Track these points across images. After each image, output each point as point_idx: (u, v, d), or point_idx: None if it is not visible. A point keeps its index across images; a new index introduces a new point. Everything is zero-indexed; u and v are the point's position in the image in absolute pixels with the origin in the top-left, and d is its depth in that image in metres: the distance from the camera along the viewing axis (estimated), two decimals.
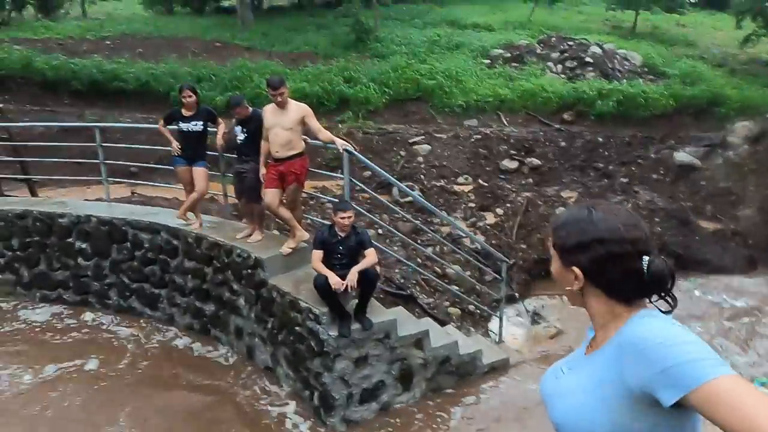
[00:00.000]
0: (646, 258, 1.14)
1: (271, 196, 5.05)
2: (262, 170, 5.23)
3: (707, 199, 10.72)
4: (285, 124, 4.91)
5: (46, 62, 13.75)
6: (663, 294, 1.15)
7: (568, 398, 1.21)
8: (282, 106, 4.92)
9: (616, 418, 1.10)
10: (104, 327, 6.15)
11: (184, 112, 5.54)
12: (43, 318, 6.28)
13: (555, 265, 1.28)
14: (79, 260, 6.45)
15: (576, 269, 1.20)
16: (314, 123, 5.02)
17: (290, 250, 5.26)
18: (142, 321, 6.24)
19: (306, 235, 5.38)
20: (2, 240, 6.62)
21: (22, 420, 4.61)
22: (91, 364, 5.40)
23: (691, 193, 10.95)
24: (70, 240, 6.44)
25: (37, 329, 6.06)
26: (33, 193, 7.91)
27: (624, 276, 1.15)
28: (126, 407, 4.81)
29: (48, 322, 6.21)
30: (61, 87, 13.61)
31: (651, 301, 1.17)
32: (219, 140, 5.68)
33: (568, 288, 1.25)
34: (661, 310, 1.16)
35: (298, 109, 4.98)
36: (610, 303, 1.19)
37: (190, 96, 5.48)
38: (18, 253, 6.62)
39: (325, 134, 5.03)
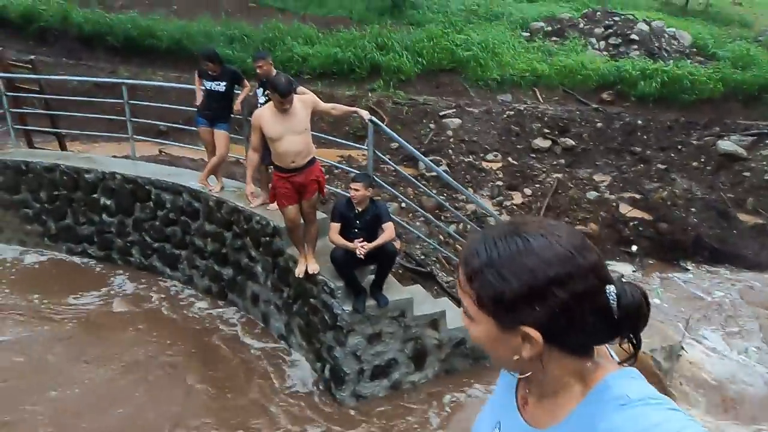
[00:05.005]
0: (611, 288, 0.84)
1: (294, 213, 4.45)
2: (251, 188, 4.50)
3: (750, 192, 10.18)
4: (297, 128, 4.22)
5: (84, 16, 13.78)
6: (634, 333, 0.87)
7: None
8: (287, 111, 4.19)
9: None
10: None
11: (210, 72, 5.45)
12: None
13: (482, 328, 0.88)
14: (104, 216, 6.53)
15: (528, 329, 0.83)
16: (324, 105, 4.52)
17: (317, 268, 4.65)
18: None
19: (318, 268, 4.67)
20: (31, 192, 6.73)
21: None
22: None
23: (733, 184, 10.42)
24: (95, 196, 6.51)
25: None
26: (62, 147, 7.99)
27: (594, 320, 0.84)
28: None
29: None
30: (96, 42, 13.65)
31: (620, 345, 0.88)
32: (237, 104, 5.59)
33: (514, 358, 0.87)
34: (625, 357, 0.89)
35: (304, 104, 4.28)
36: (571, 362, 0.88)
37: (206, 64, 5.37)
38: (46, 205, 6.73)
39: (340, 108, 4.78)
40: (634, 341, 0.87)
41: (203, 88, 5.52)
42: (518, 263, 0.83)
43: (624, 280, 0.87)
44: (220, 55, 5.63)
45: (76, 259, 6.66)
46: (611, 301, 0.83)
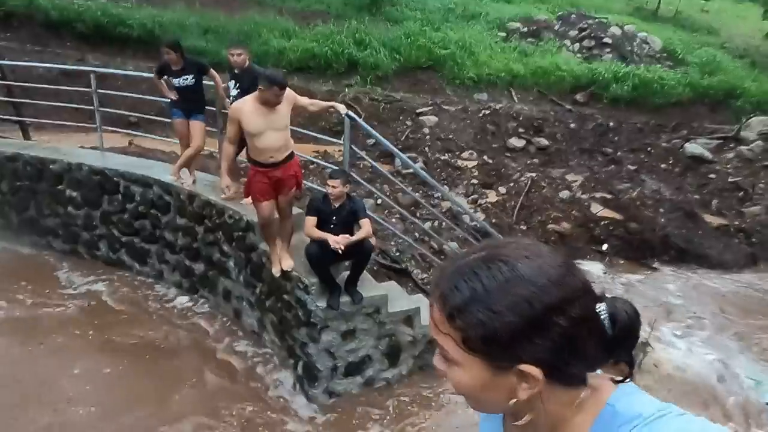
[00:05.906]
0: (602, 306, 0.78)
1: (270, 209, 4.33)
2: (226, 180, 4.37)
3: (714, 194, 10.50)
4: (278, 124, 4.14)
5: (50, 1, 13.31)
6: (628, 351, 0.81)
7: None
8: (276, 105, 4.09)
9: None
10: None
11: (173, 67, 5.29)
12: None
13: (469, 372, 0.77)
14: (70, 209, 6.31)
15: (526, 367, 0.74)
16: (303, 101, 4.48)
17: (292, 264, 4.56)
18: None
19: (293, 264, 4.60)
20: None
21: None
22: None
23: (699, 186, 10.73)
24: (60, 187, 6.29)
25: None
26: (26, 136, 7.70)
27: (594, 344, 0.76)
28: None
29: None
30: (64, 28, 13.19)
31: (613, 366, 0.82)
32: (221, 94, 5.44)
33: (510, 403, 0.77)
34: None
35: (285, 100, 4.19)
36: (570, 393, 0.79)
37: (168, 53, 5.20)
38: (8, 196, 6.48)
39: (318, 104, 4.72)
40: (628, 360, 0.81)
41: (174, 85, 5.36)
42: (510, 293, 0.73)
43: (608, 295, 0.82)
44: (182, 47, 5.41)
45: (41, 253, 6.42)
46: (604, 321, 0.78)
